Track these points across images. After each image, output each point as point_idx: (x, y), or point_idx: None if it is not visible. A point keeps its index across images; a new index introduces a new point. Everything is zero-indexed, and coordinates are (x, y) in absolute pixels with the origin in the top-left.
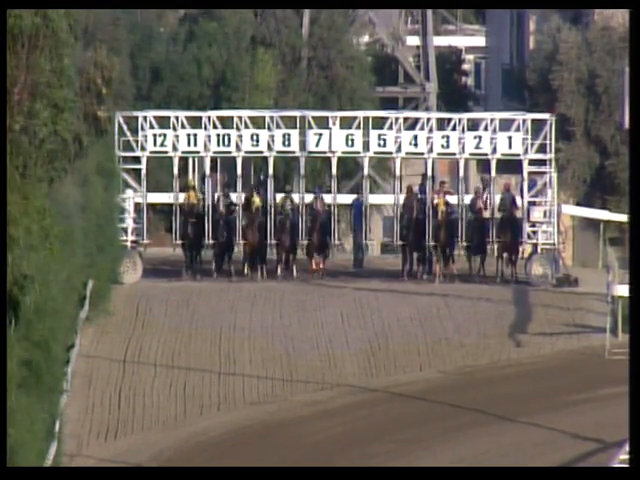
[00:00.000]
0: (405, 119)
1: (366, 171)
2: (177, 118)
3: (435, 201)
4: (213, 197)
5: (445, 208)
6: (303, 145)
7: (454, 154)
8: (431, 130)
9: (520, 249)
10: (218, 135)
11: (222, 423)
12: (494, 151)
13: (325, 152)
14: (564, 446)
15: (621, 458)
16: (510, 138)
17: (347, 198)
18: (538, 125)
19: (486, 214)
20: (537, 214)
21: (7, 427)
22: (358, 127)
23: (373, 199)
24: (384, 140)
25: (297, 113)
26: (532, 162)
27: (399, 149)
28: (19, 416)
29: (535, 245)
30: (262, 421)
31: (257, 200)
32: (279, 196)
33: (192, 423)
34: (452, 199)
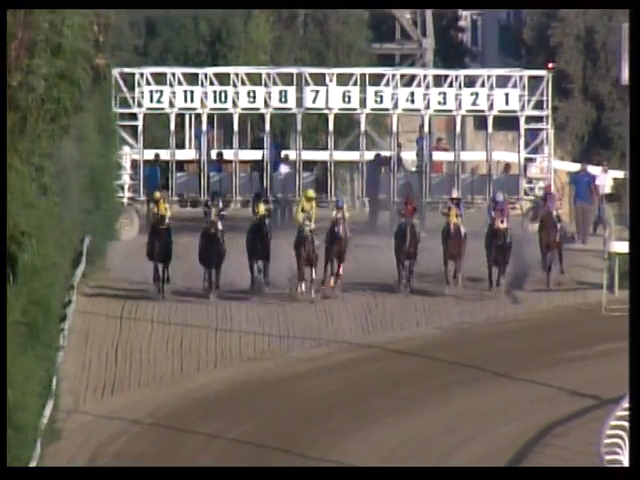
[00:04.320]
0: (402, 76)
1: (363, 128)
2: (174, 75)
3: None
4: (208, 154)
5: (457, 220)
6: (300, 102)
7: (451, 111)
8: (428, 87)
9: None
10: (215, 92)
11: (219, 379)
12: (491, 108)
13: (322, 109)
14: (561, 402)
15: (618, 414)
16: (507, 95)
17: (343, 155)
18: (535, 82)
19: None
20: (534, 170)
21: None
22: (355, 84)
23: (370, 156)
24: (381, 97)
25: (294, 70)
26: (529, 119)
27: (396, 106)
28: (16, 374)
29: (532, 201)
30: (259, 377)
31: (262, 208)
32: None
33: (189, 379)
34: (448, 155)
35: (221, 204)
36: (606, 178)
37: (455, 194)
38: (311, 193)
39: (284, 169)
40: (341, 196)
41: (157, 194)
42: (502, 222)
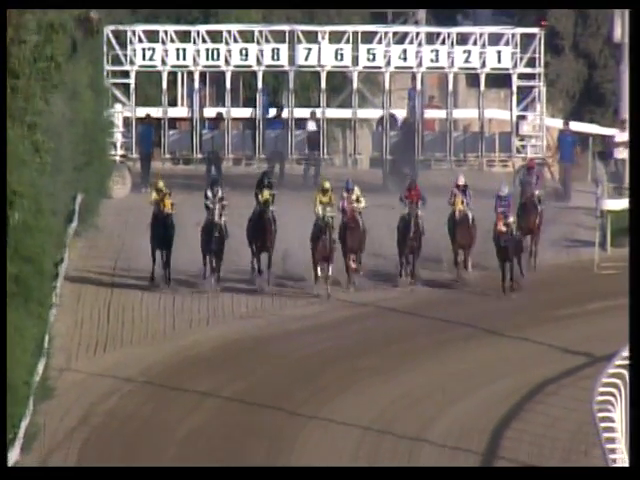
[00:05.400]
0: (394, 33)
1: (355, 85)
2: (166, 32)
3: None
4: (201, 112)
5: (462, 207)
6: (292, 59)
7: (443, 68)
8: (420, 44)
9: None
10: (207, 49)
11: (211, 337)
12: (483, 65)
13: (314, 66)
14: (553, 360)
15: (610, 372)
16: (499, 52)
17: (336, 112)
18: (527, 39)
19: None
20: (526, 128)
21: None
22: (347, 41)
23: (362, 113)
24: (373, 54)
25: (286, 27)
26: (521, 76)
27: (388, 63)
28: (9, 331)
29: (524, 159)
30: (251, 335)
31: (266, 193)
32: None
33: (181, 337)
34: (440, 113)
35: (221, 193)
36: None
37: (462, 181)
38: (327, 184)
39: (311, 126)
40: (351, 180)
41: (160, 183)
42: (505, 225)
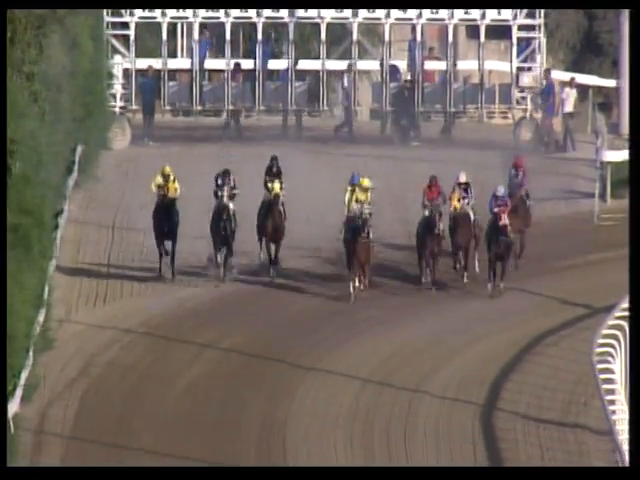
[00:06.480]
0: None
1: (355, 37)
2: None
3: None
4: (200, 64)
5: (457, 204)
6: (292, 11)
7: (443, 19)
8: None
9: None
10: None
11: (211, 289)
12: (483, 16)
13: (314, 18)
14: (553, 311)
15: (610, 323)
16: None
17: (335, 64)
18: None
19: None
20: (526, 79)
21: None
22: None
23: (362, 65)
24: None
25: None
26: (521, 27)
27: (388, 14)
28: (9, 283)
29: (524, 110)
30: (251, 288)
31: (277, 186)
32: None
33: (180, 289)
34: (440, 64)
35: (232, 182)
36: (571, 93)
37: (463, 178)
38: (367, 182)
39: (346, 80)
40: (357, 173)
41: (167, 169)
42: (505, 219)
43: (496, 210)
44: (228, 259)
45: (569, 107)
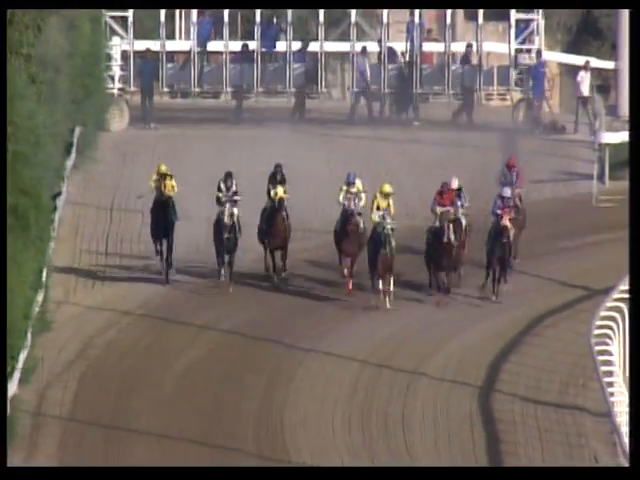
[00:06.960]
0: None
1: (353, 19)
2: None
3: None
4: (205, 46)
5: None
6: None
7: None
8: None
9: None
10: None
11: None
12: None
13: None
14: (552, 292)
15: (609, 306)
16: None
17: (334, 46)
18: None
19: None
20: (525, 61)
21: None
22: None
23: (360, 47)
24: None
25: None
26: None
27: None
28: (8, 264)
29: (522, 92)
30: (248, 269)
31: (281, 190)
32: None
33: (178, 271)
34: (439, 46)
35: (235, 187)
36: (585, 77)
37: (455, 184)
38: (387, 188)
39: (365, 64)
40: (353, 172)
41: (162, 167)
42: (507, 220)
43: (499, 212)
44: (232, 266)
45: (585, 91)
